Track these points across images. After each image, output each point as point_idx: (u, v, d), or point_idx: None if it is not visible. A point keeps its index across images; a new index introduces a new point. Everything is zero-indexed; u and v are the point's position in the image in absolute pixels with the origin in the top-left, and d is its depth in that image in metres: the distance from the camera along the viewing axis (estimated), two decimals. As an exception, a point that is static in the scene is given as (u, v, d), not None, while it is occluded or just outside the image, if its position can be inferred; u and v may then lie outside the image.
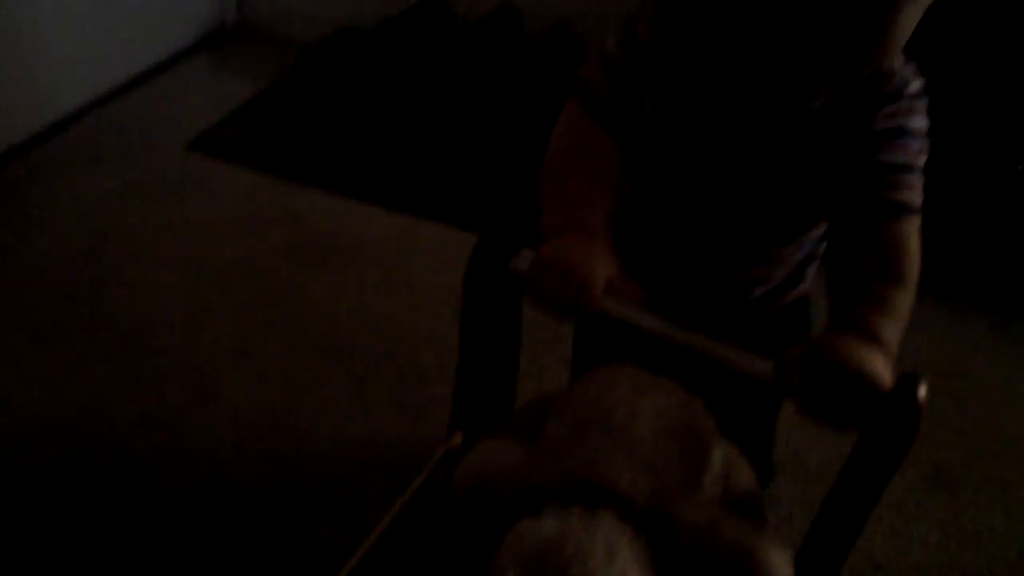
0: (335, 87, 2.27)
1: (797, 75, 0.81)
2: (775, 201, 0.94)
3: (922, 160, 0.87)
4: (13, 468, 1.33)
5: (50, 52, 1.98)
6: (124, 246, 1.76)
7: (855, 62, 0.78)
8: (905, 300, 0.81)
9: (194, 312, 1.64)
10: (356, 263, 1.79)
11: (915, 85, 0.88)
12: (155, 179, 1.96)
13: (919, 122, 0.87)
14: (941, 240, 1.91)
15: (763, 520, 0.76)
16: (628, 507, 0.69)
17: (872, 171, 0.86)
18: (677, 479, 0.72)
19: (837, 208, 0.88)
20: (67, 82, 2.06)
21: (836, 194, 0.88)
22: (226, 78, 2.37)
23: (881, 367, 0.73)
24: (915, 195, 0.86)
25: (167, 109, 2.21)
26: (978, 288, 1.96)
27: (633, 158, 0.93)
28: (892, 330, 0.78)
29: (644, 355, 0.82)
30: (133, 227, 1.81)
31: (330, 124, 2.19)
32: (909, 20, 0.77)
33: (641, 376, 0.79)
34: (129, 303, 1.63)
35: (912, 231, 0.85)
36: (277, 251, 1.80)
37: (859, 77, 0.84)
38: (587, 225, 0.84)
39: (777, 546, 0.72)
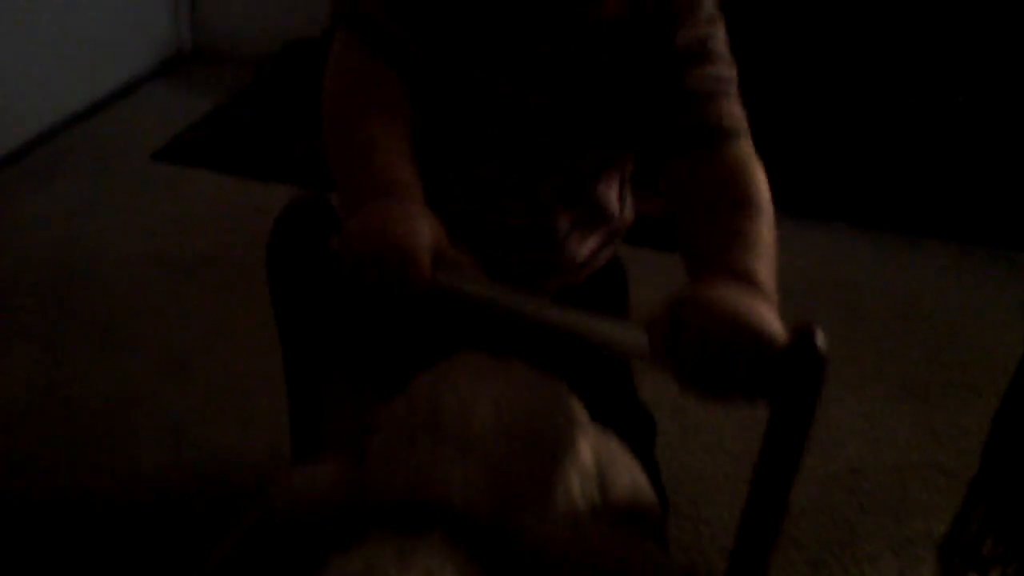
0: (292, 94, 2.32)
1: None
2: (579, 127, 0.82)
3: (734, 74, 0.78)
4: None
5: (14, 79, 2.02)
6: (95, 246, 1.79)
7: None
8: (767, 230, 0.69)
9: (166, 301, 1.66)
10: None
11: None
12: (123, 187, 2.00)
13: (719, 32, 0.79)
14: (895, 173, 1.97)
15: (651, 527, 0.63)
16: (464, 524, 0.55)
17: (687, 96, 0.76)
18: (529, 484, 0.57)
19: (653, 136, 0.78)
20: (31, 107, 2.10)
21: (649, 119, 0.78)
22: (186, 97, 2.42)
23: (768, 315, 0.60)
24: (739, 117, 0.76)
25: (130, 127, 2.25)
26: (937, 218, 2.01)
27: (417, 91, 0.79)
28: (766, 268, 0.66)
29: (472, 339, 0.68)
30: (103, 228, 1.84)
31: (288, 127, 2.23)
32: None
33: (482, 362, 0.64)
34: (102, 296, 1.66)
35: (750, 153, 0.75)
36: (245, 242, 1.83)
37: None
38: (395, 181, 0.69)
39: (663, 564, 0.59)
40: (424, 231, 0.65)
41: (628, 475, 0.63)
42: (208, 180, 2.05)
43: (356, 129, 0.73)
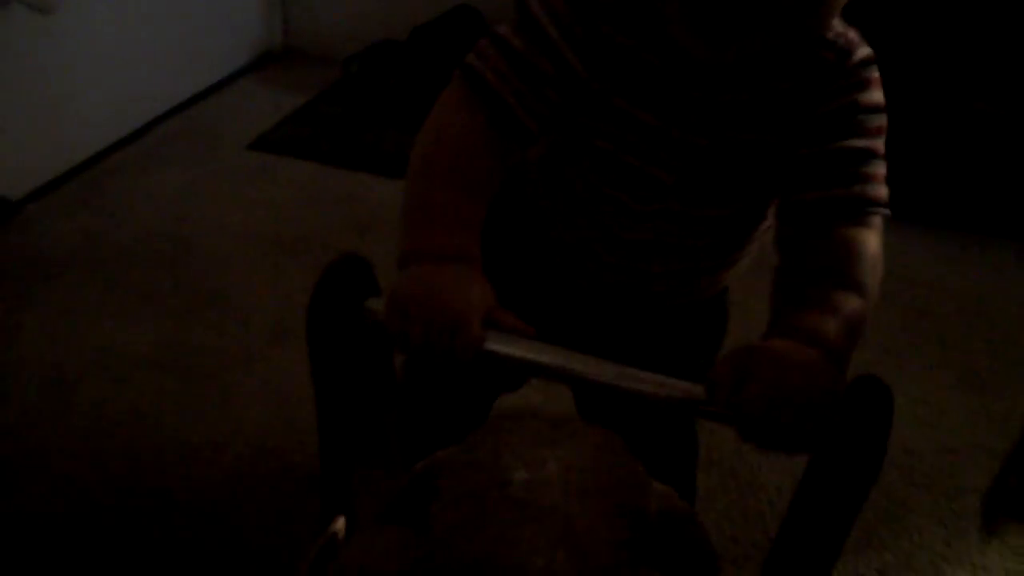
0: (378, 90, 2.46)
1: (718, 37, 0.67)
2: (714, 205, 0.80)
3: (881, 142, 0.74)
4: (117, 397, 1.48)
5: (129, 70, 2.19)
6: (203, 223, 1.94)
7: (786, 24, 0.66)
8: (856, 305, 0.67)
9: (267, 275, 1.80)
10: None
11: (861, 52, 0.74)
12: (221, 173, 2.15)
13: (872, 95, 0.74)
14: (960, 174, 2.04)
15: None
16: None
17: (824, 161, 0.72)
18: (608, 549, 0.56)
19: (785, 208, 0.76)
20: (145, 95, 2.27)
21: (783, 192, 0.76)
22: (277, 92, 2.57)
23: (825, 369, 0.61)
24: (877, 187, 0.73)
25: (227, 118, 2.41)
26: (1000, 218, 2.07)
27: (536, 165, 0.80)
28: (838, 330, 0.65)
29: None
30: (205, 211, 1.99)
31: (371, 121, 2.37)
32: None
33: (540, 424, 0.62)
34: (213, 267, 1.80)
35: (871, 231, 0.72)
36: (338, 225, 1.96)
37: (791, 45, 0.70)
38: (457, 246, 0.68)
39: None
40: (475, 295, 0.65)
41: (693, 529, 0.63)
42: (299, 168, 2.19)
43: (436, 190, 0.71)
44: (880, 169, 0.73)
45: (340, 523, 0.74)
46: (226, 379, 1.53)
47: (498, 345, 0.64)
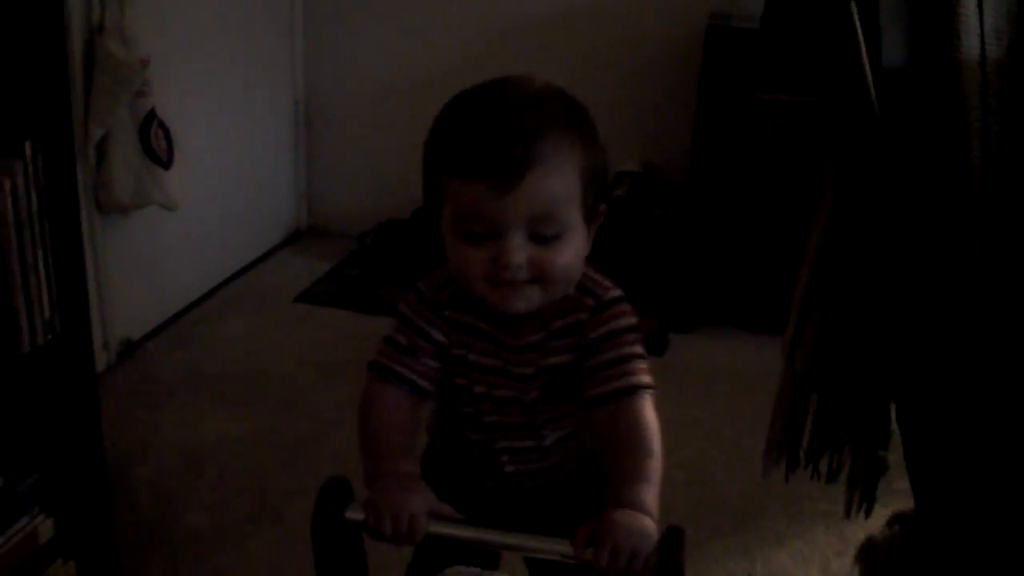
0: (386, 256, 3.27)
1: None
2: (544, 403, 1.10)
3: (640, 347, 1.04)
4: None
5: (198, 247, 2.98)
6: (263, 358, 2.69)
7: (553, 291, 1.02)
8: (656, 466, 0.96)
9: (321, 386, 2.53)
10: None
11: (612, 293, 1.07)
12: (277, 319, 2.92)
13: (626, 320, 1.05)
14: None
15: None
16: None
17: (599, 368, 1.03)
18: None
19: (587, 402, 1.04)
20: (212, 264, 3.07)
21: (584, 391, 1.04)
22: (307, 260, 3.37)
23: (650, 528, 0.89)
24: (641, 376, 1.02)
25: (273, 281, 3.19)
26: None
27: (442, 385, 1.10)
28: (653, 495, 0.94)
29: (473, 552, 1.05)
30: (270, 344, 2.74)
31: (386, 279, 3.16)
32: (576, 250, 1.00)
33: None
34: (279, 384, 2.54)
35: (646, 405, 1.00)
36: (361, 356, 2.70)
37: (562, 301, 1.04)
38: (399, 469, 0.99)
39: None
40: (420, 498, 0.95)
41: None
42: (332, 314, 2.96)
43: (374, 435, 1.05)
44: (643, 364, 1.04)
45: None
46: (300, 454, 2.24)
47: (438, 528, 0.95)
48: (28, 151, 1.41)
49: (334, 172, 3.59)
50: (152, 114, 2.41)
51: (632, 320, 1.06)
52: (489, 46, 3.19)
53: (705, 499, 2.11)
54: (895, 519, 1.44)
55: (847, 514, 1.31)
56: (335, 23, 3.40)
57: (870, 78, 1.05)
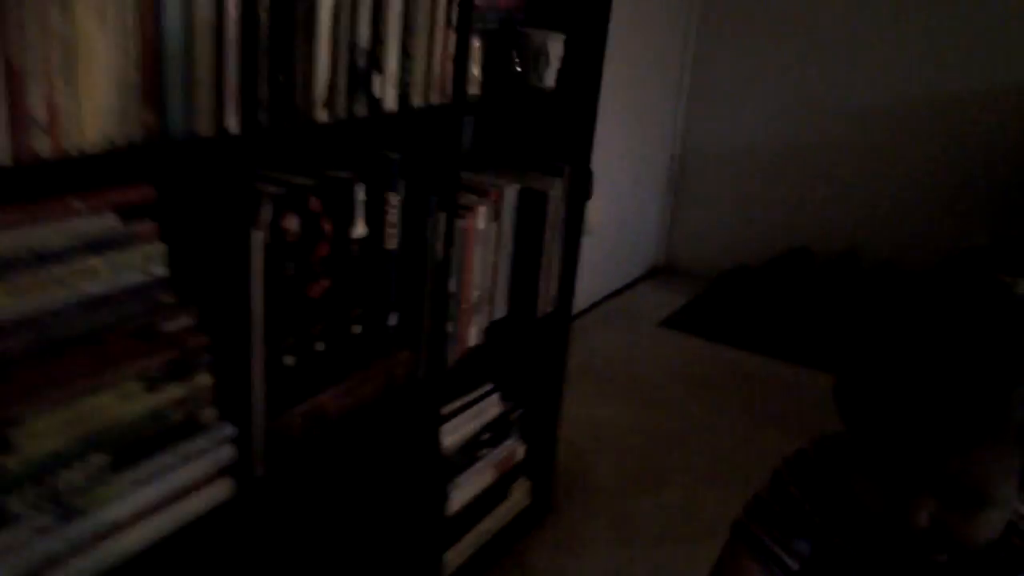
0: (733, 300, 3.67)
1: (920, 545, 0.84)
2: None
3: None
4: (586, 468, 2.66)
5: (588, 274, 3.55)
6: (640, 364, 3.18)
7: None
8: None
9: (690, 397, 2.97)
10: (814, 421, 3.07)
11: None
12: (646, 336, 3.41)
13: None
14: None
15: None
16: None
17: None
18: None
19: None
20: (591, 287, 3.61)
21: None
22: (663, 294, 3.86)
23: None
24: None
25: (637, 306, 3.70)
26: None
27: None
28: None
29: None
30: (642, 359, 3.23)
31: (731, 319, 3.57)
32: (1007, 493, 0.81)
33: None
34: (652, 389, 3.01)
35: None
36: (718, 375, 3.13)
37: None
38: None
39: None
40: None
41: None
42: (691, 340, 3.41)
43: None
44: None
45: None
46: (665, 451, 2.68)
47: None
48: (565, 172, 1.97)
49: (693, 219, 4.10)
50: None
51: None
52: (862, 123, 3.55)
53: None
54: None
55: None
56: (715, 93, 3.90)
57: None
